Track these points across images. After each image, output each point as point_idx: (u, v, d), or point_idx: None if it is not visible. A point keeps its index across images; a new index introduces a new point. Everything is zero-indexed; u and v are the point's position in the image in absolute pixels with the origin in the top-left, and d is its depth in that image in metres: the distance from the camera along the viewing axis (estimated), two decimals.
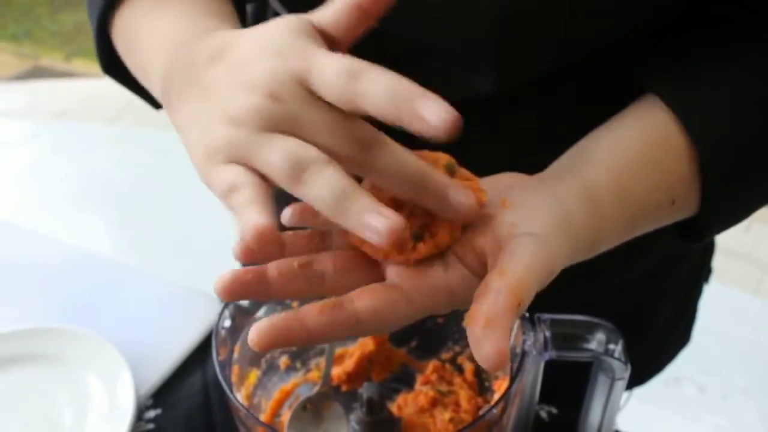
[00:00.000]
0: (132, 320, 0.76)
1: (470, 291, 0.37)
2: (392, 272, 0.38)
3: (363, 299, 0.35)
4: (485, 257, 0.37)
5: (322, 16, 0.38)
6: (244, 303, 0.53)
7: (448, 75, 0.47)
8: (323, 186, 0.32)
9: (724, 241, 0.82)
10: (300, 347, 0.39)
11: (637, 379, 0.80)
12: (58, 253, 0.86)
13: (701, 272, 0.78)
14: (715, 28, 0.50)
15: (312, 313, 0.34)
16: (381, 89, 0.32)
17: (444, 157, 0.39)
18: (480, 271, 0.37)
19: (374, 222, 0.31)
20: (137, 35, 0.49)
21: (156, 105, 0.59)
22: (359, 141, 0.34)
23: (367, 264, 0.39)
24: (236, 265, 0.38)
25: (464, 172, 0.39)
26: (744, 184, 0.47)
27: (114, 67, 0.56)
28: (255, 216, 0.32)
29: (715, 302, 0.99)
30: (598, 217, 0.41)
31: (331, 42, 0.38)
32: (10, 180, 2.50)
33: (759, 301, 2.12)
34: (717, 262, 0.80)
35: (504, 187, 0.41)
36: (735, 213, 0.49)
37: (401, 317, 0.36)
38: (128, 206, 2.39)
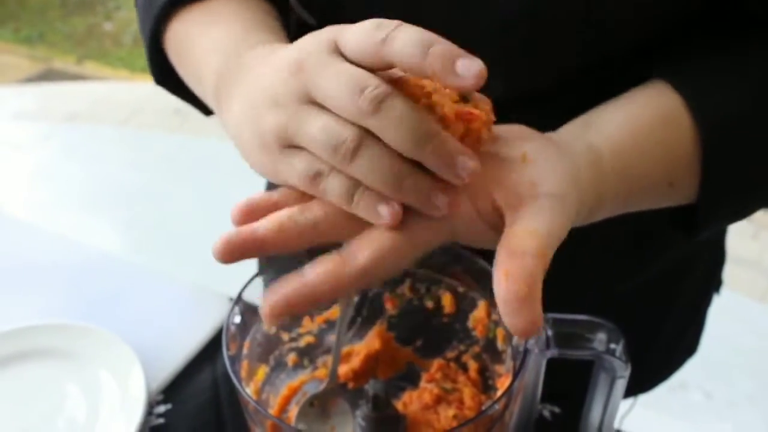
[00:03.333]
0: (143, 318, 0.77)
1: (473, 233, 0.38)
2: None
3: (365, 250, 0.35)
4: (501, 209, 0.37)
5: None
6: (255, 300, 0.54)
7: None
8: (370, 167, 0.35)
9: (732, 248, 0.83)
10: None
11: (642, 387, 0.80)
12: (72, 253, 0.87)
13: (710, 282, 0.78)
14: (725, 29, 0.50)
15: (317, 273, 0.35)
16: (408, 40, 0.34)
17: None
18: (492, 220, 0.37)
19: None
20: (191, 47, 0.51)
21: (206, 112, 0.60)
22: (369, 95, 0.35)
23: None
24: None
25: (477, 97, 0.39)
26: (744, 176, 0.48)
27: (165, 78, 0.58)
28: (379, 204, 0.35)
29: (722, 309, 0.99)
30: (600, 182, 0.42)
31: None
32: (22, 181, 2.52)
33: (766, 308, 2.12)
34: (725, 269, 0.80)
35: (517, 137, 0.41)
36: (735, 206, 0.49)
37: (403, 261, 0.36)
38: (139, 207, 2.40)
